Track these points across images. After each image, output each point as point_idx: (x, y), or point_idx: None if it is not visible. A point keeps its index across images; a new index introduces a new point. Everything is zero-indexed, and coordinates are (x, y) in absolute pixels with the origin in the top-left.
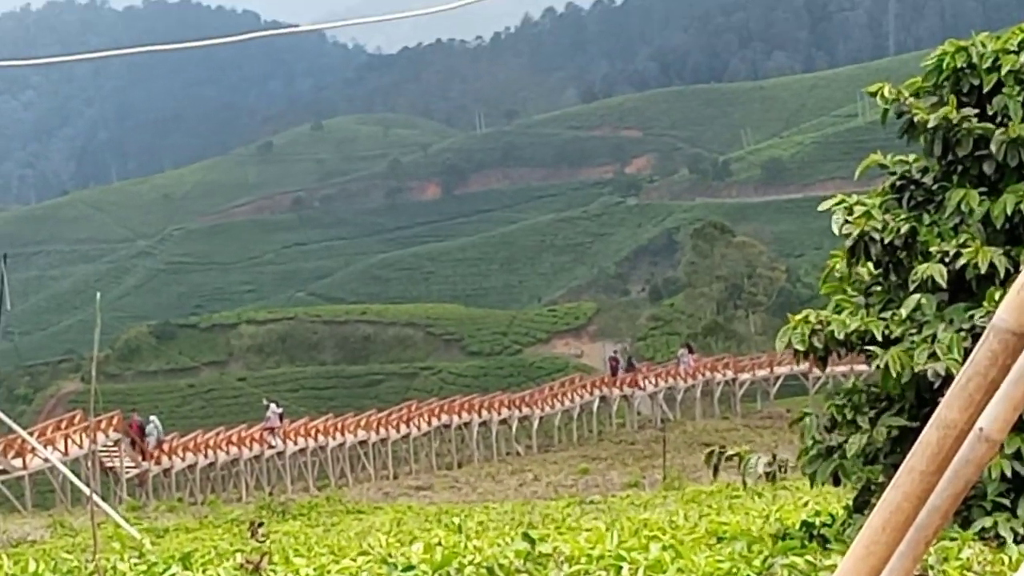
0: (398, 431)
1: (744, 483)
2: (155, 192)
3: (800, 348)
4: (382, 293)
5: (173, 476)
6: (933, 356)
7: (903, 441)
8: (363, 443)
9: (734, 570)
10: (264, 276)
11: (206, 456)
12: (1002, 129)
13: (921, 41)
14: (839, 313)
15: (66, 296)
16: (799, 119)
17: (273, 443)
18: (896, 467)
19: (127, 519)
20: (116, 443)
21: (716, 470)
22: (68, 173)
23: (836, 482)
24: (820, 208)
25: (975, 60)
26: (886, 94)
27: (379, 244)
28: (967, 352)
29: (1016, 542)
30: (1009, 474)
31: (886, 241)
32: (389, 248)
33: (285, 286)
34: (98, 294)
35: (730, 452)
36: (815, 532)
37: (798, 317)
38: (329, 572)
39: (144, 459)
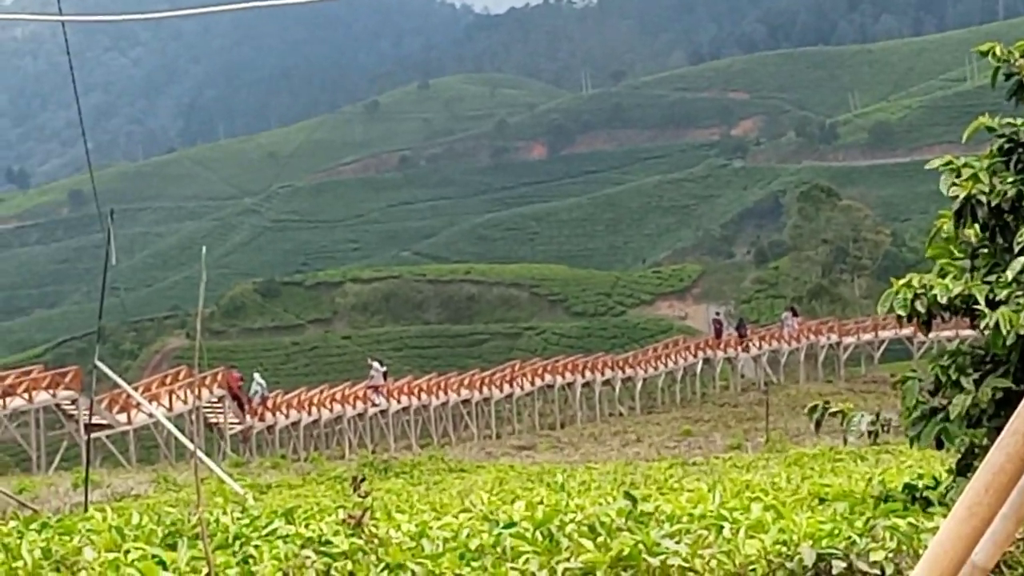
0: (501, 391)
1: (845, 440)
2: (262, 150)
3: (902, 313)
4: (487, 253)
5: (277, 433)
6: None
7: (1007, 404)
8: (466, 402)
9: (835, 531)
10: (369, 235)
11: (310, 413)
12: None
13: None
14: (943, 277)
15: (172, 252)
16: (907, 83)
17: (377, 401)
18: (1000, 430)
19: (230, 475)
20: (220, 399)
21: (819, 425)
22: (175, 130)
23: (939, 445)
24: (927, 167)
25: None
26: (997, 53)
27: (485, 204)
28: None
29: None
30: None
31: (992, 204)
32: (494, 208)
33: (390, 245)
34: (204, 250)
35: (834, 408)
36: (918, 494)
37: (901, 281)
38: (431, 528)
39: (242, 410)
